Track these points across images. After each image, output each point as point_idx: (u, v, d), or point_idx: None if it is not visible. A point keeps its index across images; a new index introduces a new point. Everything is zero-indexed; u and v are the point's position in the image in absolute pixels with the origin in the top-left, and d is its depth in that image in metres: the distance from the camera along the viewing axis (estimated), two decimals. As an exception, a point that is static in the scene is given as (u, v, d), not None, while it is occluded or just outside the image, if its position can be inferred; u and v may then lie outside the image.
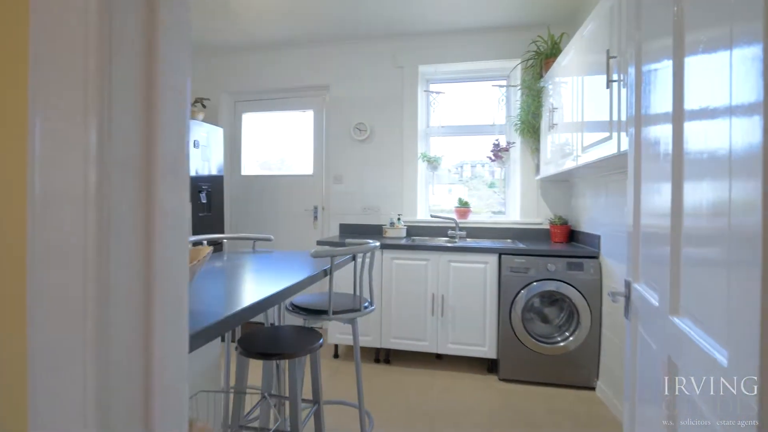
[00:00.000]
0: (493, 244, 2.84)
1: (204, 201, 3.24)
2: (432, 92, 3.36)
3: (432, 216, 3.16)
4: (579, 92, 2.05)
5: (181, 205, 0.48)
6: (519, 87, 3.01)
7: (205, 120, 3.34)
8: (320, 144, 3.53)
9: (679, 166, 0.72)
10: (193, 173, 3.12)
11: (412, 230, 3.24)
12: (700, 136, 0.65)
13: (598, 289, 2.40)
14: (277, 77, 3.52)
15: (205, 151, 3.24)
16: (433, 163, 3.27)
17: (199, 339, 0.74)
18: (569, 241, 2.88)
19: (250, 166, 3.76)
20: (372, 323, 2.74)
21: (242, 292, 1.18)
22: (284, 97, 3.60)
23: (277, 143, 3.80)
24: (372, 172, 3.35)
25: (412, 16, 2.94)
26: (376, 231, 3.30)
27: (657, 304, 0.83)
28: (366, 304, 1.67)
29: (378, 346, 2.76)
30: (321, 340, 1.31)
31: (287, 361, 1.23)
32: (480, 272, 2.60)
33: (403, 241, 2.90)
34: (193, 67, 3.68)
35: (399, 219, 3.18)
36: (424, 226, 3.24)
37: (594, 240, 2.49)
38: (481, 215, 3.31)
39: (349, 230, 3.39)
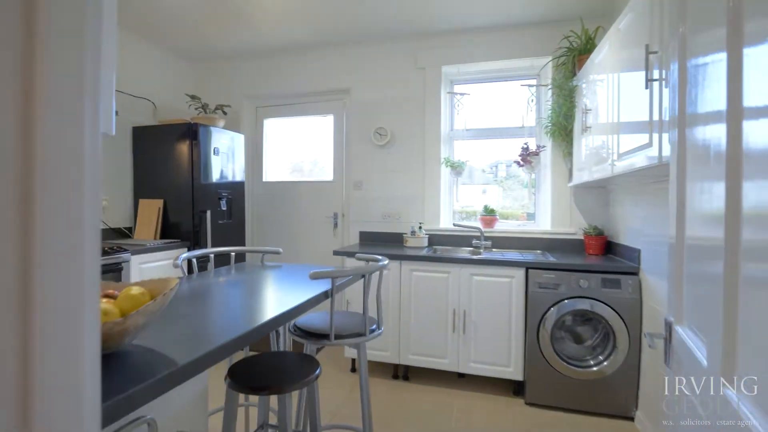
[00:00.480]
0: (520, 256, 2.64)
1: (224, 208, 3.24)
2: (456, 94, 3.20)
3: (455, 225, 3.00)
4: (614, 91, 1.84)
5: (74, 227, 0.37)
6: (549, 86, 2.80)
7: (226, 127, 3.35)
8: (340, 149, 3.46)
9: (735, 170, 0.56)
10: (213, 180, 3.12)
11: (435, 239, 3.09)
12: (764, 136, 0.50)
13: (638, 309, 2.16)
14: (297, 82, 3.47)
15: (224, 159, 3.24)
16: (456, 168, 3.11)
17: (145, 395, 0.65)
18: (606, 254, 2.64)
19: (271, 173, 3.75)
20: (390, 338, 2.62)
21: (225, 323, 1.10)
22: (305, 102, 3.55)
23: (299, 149, 3.76)
24: (393, 178, 3.23)
25: (434, 14, 2.80)
26: (396, 239, 3.17)
27: (705, 363, 0.66)
28: (373, 326, 1.55)
29: (396, 362, 2.63)
30: (318, 371, 1.21)
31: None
32: (505, 287, 2.41)
33: (425, 251, 2.76)
34: (214, 74, 3.71)
35: (420, 228, 3.04)
36: (446, 235, 3.09)
37: (633, 254, 2.25)
38: (508, 223, 3.12)
39: (369, 238, 3.28)
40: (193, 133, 2.97)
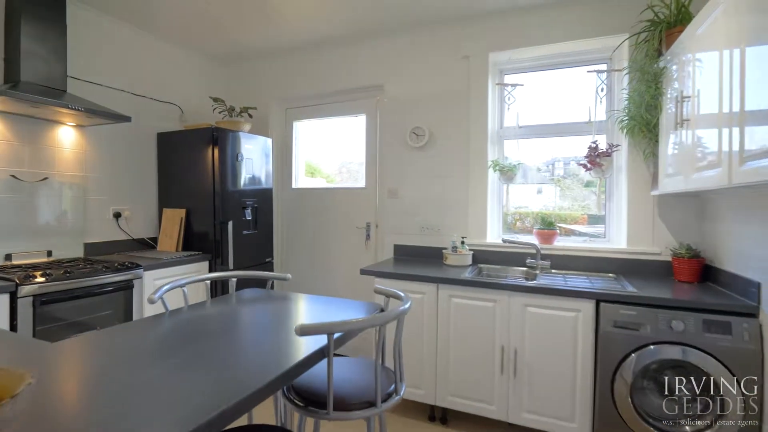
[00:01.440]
0: (588, 282, 2.14)
1: (249, 218, 3.01)
2: (506, 85, 2.73)
3: (505, 241, 2.53)
4: (733, 71, 1.32)
5: None
6: (626, 71, 2.26)
7: (253, 131, 3.13)
8: (373, 153, 3.11)
9: None
10: (237, 188, 2.90)
11: (480, 256, 2.65)
12: None
13: (758, 365, 1.60)
14: (327, 80, 3.17)
15: (249, 165, 3.01)
16: (507, 172, 2.64)
17: None
18: (702, 281, 2.06)
19: (302, 179, 3.48)
20: (426, 373, 2.23)
21: (166, 407, 0.78)
22: (335, 102, 3.24)
23: (330, 153, 3.46)
24: (431, 184, 2.82)
25: (479, -8, 2.37)
26: (435, 255, 2.77)
27: None
28: (391, 388, 1.18)
29: (432, 402, 2.24)
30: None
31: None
32: (568, 323, 1.93)
33: (468, 272, 2.33)
34: (242, 76, 3.51)
35: (463, 243, 2.61)
36: (494, 251, 2.63)
37: (748, 287, 1.68)
38: (571, 240, 2.60)
39: (405, 252, 2.90)
40: (214, 138, 2.76)
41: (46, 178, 2.39)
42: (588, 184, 2.68)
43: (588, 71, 2.51)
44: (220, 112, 3.02)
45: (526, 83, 2.70)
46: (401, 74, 2.90)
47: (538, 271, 2.38)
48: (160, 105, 3.05)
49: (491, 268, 2.57)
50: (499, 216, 2.79)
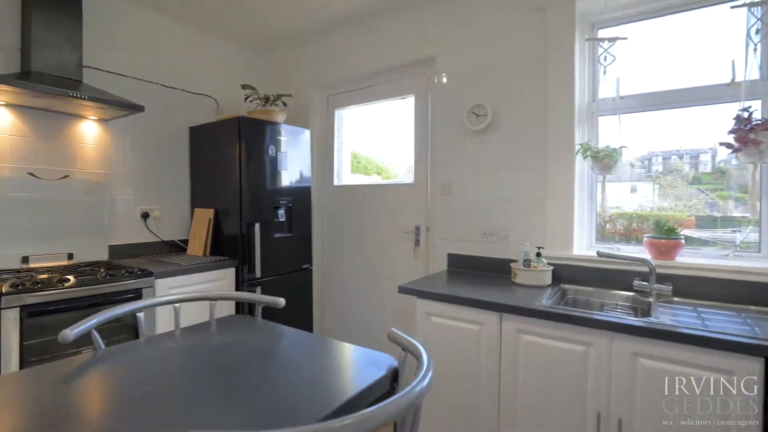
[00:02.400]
0: (742, 323, 1.38)
1: (282, 219, 2.65)
2: (601, 40, 2.01)
3: (601, 254, 1.82)
4: None
5: None
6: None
7: (290, 122, 2.77)
8: (424, 141, 2.56)
9: None
10: (267, 186, 2.55)
11: (563, 273, 1.97)
12: None
13: None
14: (370, 59, 2.70)
15: (283, 159, 2.65)
16: (603, 159, 1.93)
17: None
18: None
19: (345, 175, 3.05)
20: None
21: None
22: (381, 83, 2.76)
23: (376, 144, 2.99)
24: (495, 177, 2.20)
25: None
26: (500, 269, 2.14)
27: None
28: None
29: (492, 474, 1.63)
30: None
31: None
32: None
33: (546, 297, 1.69)
34: (280, 63, 3.20)
35: (539, 255, 1.96)
36: (585, 267, 1.93)
37: None
38: (701, 254, 1.81)
39: (461, 264, 2.32)
40: (239, 130, 2.43)
41: (66, 176, 2.24)
42: (694, 181, 1.90)
43: (732, 6, 1.71)
44: (252, 101, 2.71)
45: (631, 36, 1.96)
46: (456, 42, 2.32)
47: (652, 299, 1.65)
48: (193, 97, 2.82)
49: (580, 291, 1.89)
50: (590, 219, 2.08)
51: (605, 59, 1.99)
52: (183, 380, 0.90)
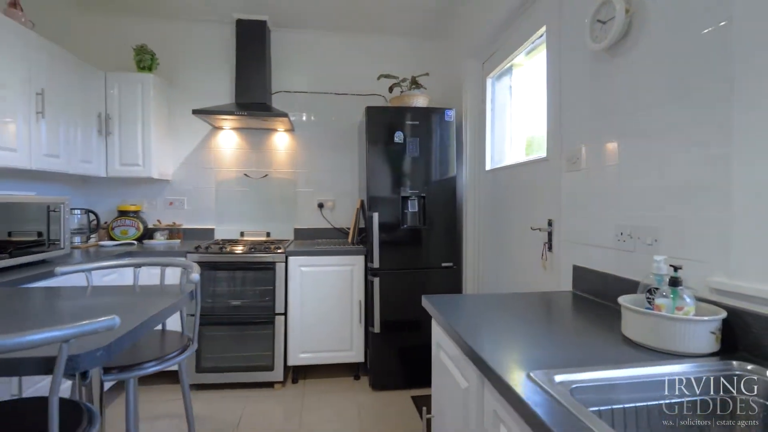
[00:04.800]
0: None
1: (412, 210, 2.47)
2: None
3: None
4: None
5: None
6: None
7: (442, 103, 2.55)
8: (556, 89, 1.68)
9: None
10: (391, 174, 2.45)
11: (755, 328, 0.82)
12: None
13: None
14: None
15: (414, 146, 2.45)
16: None
17: None
18: None
19: (498, 156, 2.44)
20: None
21: None
22: (517, 20, 2.02)
23: (530, 110, 2.22)
24: (633, 135, 1.17)
25: None
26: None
27: None
28: None
29: None
30: None
31: None
32: None
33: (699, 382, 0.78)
34: (443, 45, 2.90)
35: (676, 281, 0.90)
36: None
37: None
38: None
39: (589, 285, 1.38)
40: (367, 118, 2.45)
41: (266, 175, 3.01)
42: None
43: None
44: (390, 89, 2.66)
45: None
46: None
47: None
48: (364, 99, 3.07)
49: None
50: None
51: None
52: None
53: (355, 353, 2.56)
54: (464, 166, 2.58)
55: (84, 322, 0.77)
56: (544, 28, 1.77)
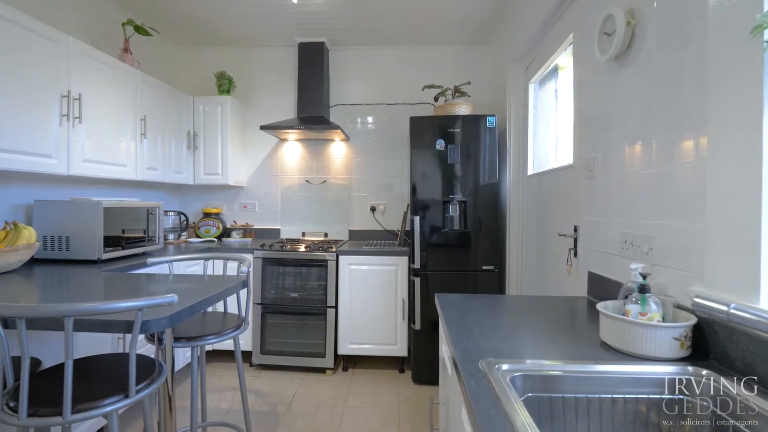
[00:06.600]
0: None
1: (452, 214, 2.58)
2: None
3: None
4: None
5: None
6: None
7: (485, 111, 2.64)
8: (579, 96, 1.68)
9: None
10: (434, 180, 2.59)
11: (723, 338, 0.84)
12: None
13: None
14: None
15: (454, 152, 2.56)
16: None
17: None
18: None
19: (541, 162, 2.44)
20: None
21: None
22: (552, 22, 2.03)
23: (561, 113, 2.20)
24: (638, 142, 1.19)
25: None
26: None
27: None
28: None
29: None
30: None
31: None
32: None
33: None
34: (488, 51, 2.93)
35: (644, 288, 0.94)
36: None
37: None
38: None
39: (603, 291, 1.40)
40: (411, 127, 2.61)
41: (325, 181, 3.32)
42: None
43: None
44: (436, 99, 2.79)
45: None
46: None
47: None
48: (413, 108, 3.23)
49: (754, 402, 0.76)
50: None
51: None
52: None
53: (399, 348, 2.73)
54: (507, 170, 2.61)
55: (153, 297, 1.06)
56: (571, 36, 1.78)
